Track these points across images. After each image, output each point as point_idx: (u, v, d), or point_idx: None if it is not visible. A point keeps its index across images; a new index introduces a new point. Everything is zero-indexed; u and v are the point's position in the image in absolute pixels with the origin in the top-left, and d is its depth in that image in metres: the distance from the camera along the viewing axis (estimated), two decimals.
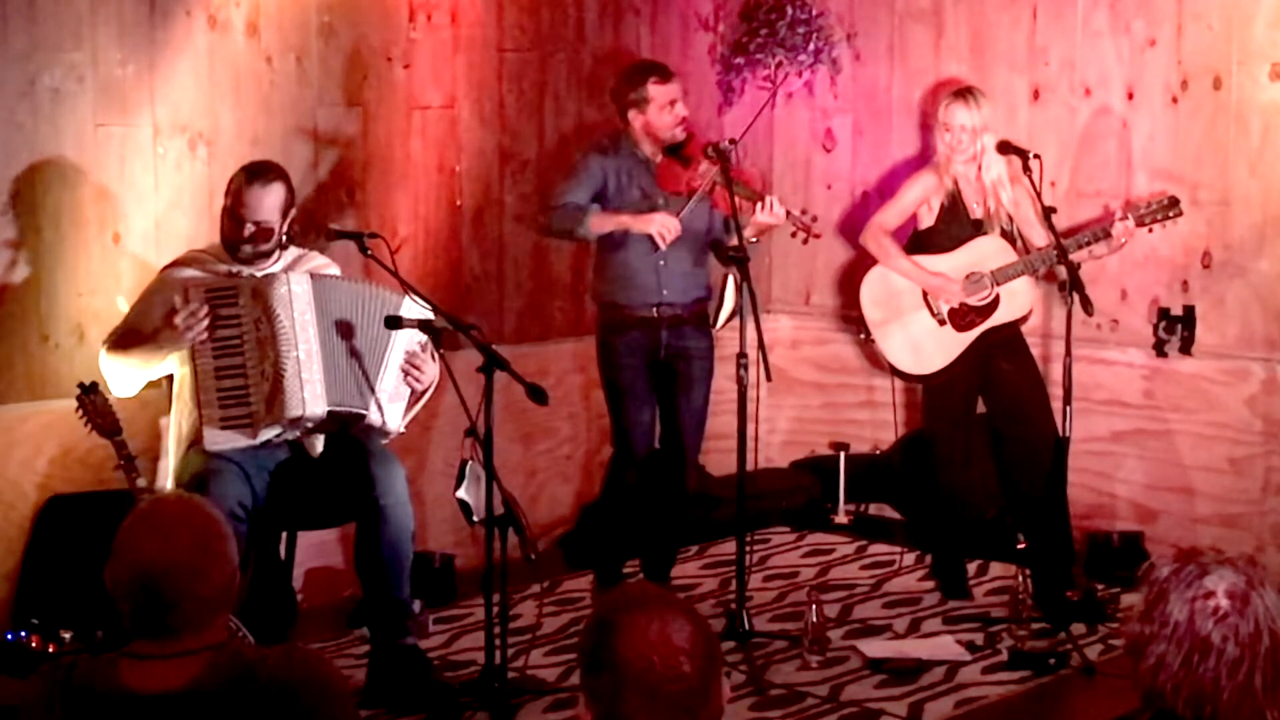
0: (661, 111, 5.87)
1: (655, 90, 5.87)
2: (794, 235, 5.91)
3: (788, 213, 5.81)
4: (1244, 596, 2.41)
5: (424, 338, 5.18)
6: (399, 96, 6.31)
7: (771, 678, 5.32)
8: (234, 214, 5.14)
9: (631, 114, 5.90)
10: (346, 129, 6.18)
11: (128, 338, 5.15)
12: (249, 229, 5.12)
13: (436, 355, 5.21)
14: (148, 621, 2.61)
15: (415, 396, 5.27)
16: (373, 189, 6.26)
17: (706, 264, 6.04)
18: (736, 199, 5.68)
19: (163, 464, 5.35)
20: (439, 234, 6.49)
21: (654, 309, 5.91)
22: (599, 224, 5.85)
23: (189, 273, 5.16)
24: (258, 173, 5.16)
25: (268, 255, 5.18)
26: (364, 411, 5.13)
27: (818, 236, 6.00)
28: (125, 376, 5.12)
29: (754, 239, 5.82)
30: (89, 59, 5.52)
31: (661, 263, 5.88)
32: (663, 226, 5.75)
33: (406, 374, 5.19)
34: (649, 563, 6.19)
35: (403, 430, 5.29)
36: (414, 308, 5.15)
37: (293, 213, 5.22)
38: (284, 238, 5.19)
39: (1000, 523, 6.43)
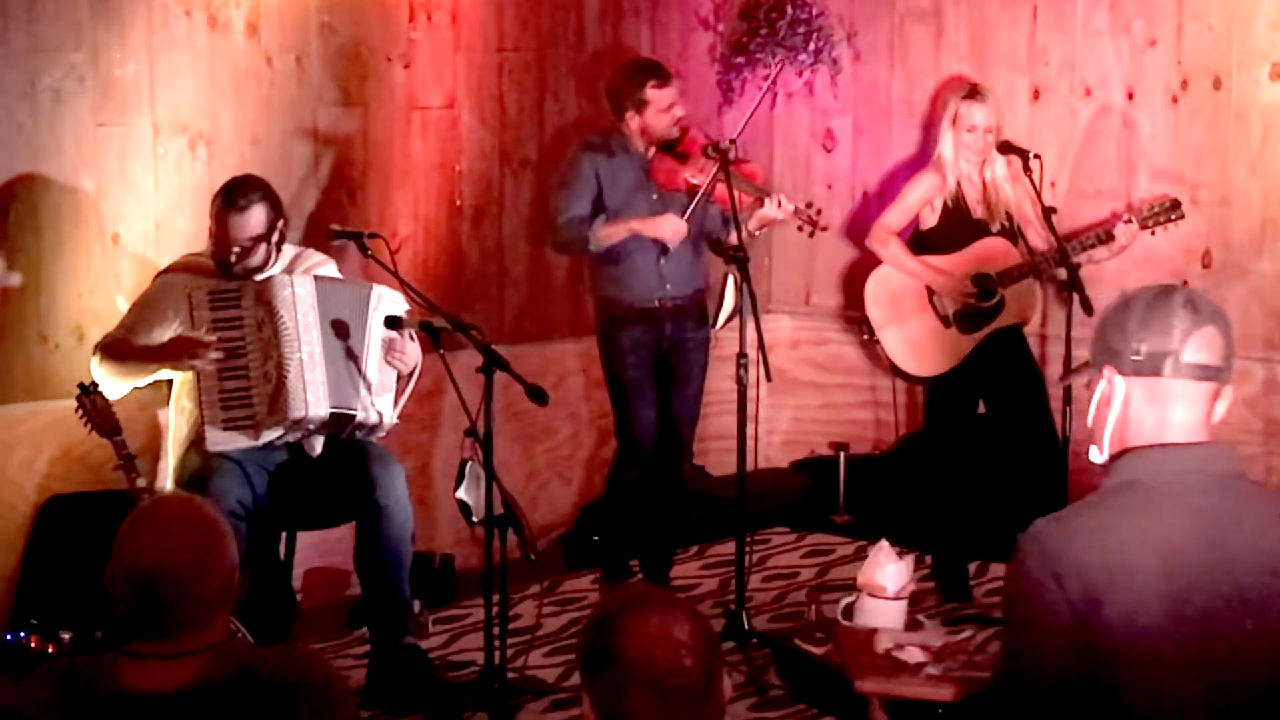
0: (659, 115, 5.85)
1: (654, 94, 5.84)
2: (800, 229, 5.91)
3: (795, 208, 5.80)
4: None
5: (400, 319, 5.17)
6: (399, 96, 6.31)
7: (771, 678, 5.31)
8: (218, 237, 5.13)
9: (628, 114, 5.88)
10: (346, 129, 6.17)
11: (121, 345, 5.12)
12: (234, 252, 5.10)
13: (414, 335, 5.20)
14: (147, 621, 2.61)
15: (404, 381, 5.25)
16: (373, 189, 6.25)
17: (704, 255, 6.02)
18: (741, 195, 5.67)
19: (163, 464, 5.36)
20: (439, 234, 6.48)
21: (656, 300, 5.91)
22: (607, 235, 5.82)
23: (186, 278, 5.15)
24: (235, 198, 5.09)
25: (260, 269, 5.16)
26: (364, 411, 5.12)
27: (824, 229, 6.00)
28: (115, 383, 5.09)
29: (756, 232, 5.81)
30: (89, 59, 5.52)
31: (662, 260, 5.88)
32: (673, 231, 5.75)
33: (390, 360, 5.18)
34: (647, 563, 6.19)
35: (396, 420, 5.27)
36: (390, 298, 5.15)
37: (281, 223, 5.18)
38: (275, 249, 5.17)
39: (1000, 523, 6.41)
